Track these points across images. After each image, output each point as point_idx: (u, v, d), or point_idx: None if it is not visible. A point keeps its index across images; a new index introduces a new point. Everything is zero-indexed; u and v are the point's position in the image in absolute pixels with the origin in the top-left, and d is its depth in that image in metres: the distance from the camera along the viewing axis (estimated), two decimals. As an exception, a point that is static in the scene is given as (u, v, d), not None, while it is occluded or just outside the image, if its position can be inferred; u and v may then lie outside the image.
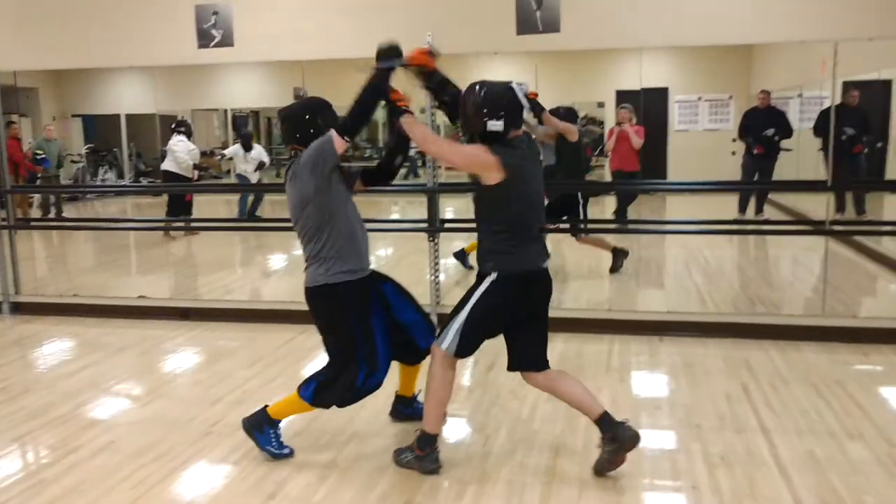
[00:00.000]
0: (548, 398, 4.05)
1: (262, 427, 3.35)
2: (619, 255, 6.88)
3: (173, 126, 10.20)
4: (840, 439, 3.47)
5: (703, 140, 14.16)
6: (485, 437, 3.65)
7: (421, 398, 3.53)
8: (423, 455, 3.10)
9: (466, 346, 3.06)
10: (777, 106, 10.20)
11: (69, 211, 13.21)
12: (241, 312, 5.62)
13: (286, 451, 3.38)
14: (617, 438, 2.99)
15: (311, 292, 3.18)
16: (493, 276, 3.01)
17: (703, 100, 14.69)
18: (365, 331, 3.18)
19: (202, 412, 3.93)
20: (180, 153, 9.58)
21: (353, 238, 3.15)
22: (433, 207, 5.38)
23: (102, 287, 7.09)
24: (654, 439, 3.54)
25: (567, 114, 7.44)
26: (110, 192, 14.32)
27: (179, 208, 9.64)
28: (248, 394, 4.13)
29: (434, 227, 5.44)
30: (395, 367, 3.48)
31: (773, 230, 7.28)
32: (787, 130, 9.83)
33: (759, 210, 10.06)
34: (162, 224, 9.95)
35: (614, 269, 6.85)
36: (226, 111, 18.93)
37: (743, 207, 10.00)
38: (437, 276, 5.44)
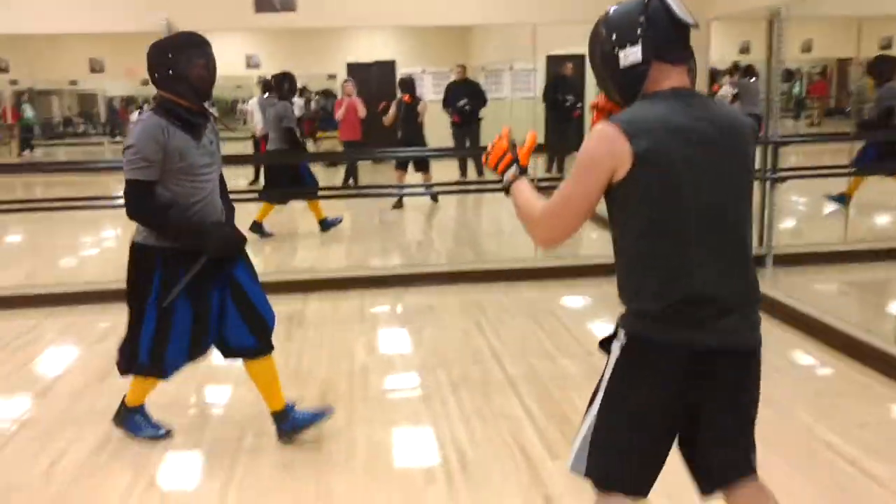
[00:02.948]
0: (312, 347, 4.51)
1: (126, 417, 3.52)
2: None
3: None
4: (553, 355, 4.27)
5: (430, 110, 15.18)
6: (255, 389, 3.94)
7: (300, 406, 3.56)
8: None
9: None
10: (474, 78, 11.31)
11: None
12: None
13: (161, 431, 3.55)
14: None
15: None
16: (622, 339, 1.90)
17: (426, 72, 15.77)
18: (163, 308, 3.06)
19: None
20: None
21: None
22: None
23: None
24: (407, 371, 4.14)
25: None
26: None
27: None
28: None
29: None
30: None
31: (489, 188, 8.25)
32: (480, 100, 11.04)
33: (480, 172, 11.21)
34: None
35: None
36: None
37: (463, 171, 11.09)
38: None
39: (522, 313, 5.24)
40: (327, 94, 13.98)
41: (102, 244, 8.40)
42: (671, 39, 1.84)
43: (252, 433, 3.56)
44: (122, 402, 3.49)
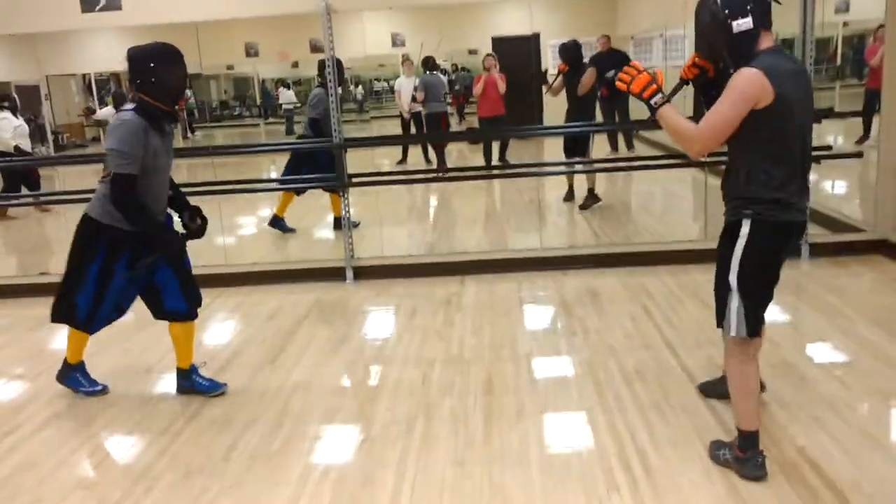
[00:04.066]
0: (472, 333, 4.36)
1: (67, 374, 3.96)
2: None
3: (-4, 102, 9.64)
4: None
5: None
6: (422, 374, 3.86)
7: (203, 371, 3.98)
8: (743, 457, 2.82)
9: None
10: (619, 48, 10.61)
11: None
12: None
13: (98, 387, 3.95)
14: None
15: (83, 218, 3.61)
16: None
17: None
18: (101, 276, 3.57)
19: (136, 381, 3.96)
20: (3, 132, 9.10)
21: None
22: (340, 163, 5.47)
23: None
24: (575, 361, 3.88)
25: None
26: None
27: (19, 186, 9.11)
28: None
29: (343, 182, 5.53)
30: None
31: (648, 165, 7.77)
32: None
33: (629, 146, 10.70)
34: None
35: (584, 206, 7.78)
36: (84, 76, 17.86)
37: (614, 146, 10.60)
38: (350, 230, 5.57)
39: (692, 298, 4.86)
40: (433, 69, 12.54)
41: (262, 225, 8.63)
42: (768, 11, 2.57)
43: (421, 421, 3.44)
44: (64, 360, 3.95)
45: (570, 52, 7.83)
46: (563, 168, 8.50)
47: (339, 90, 6.39)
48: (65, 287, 3.65)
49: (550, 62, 14.89)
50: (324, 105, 6.62)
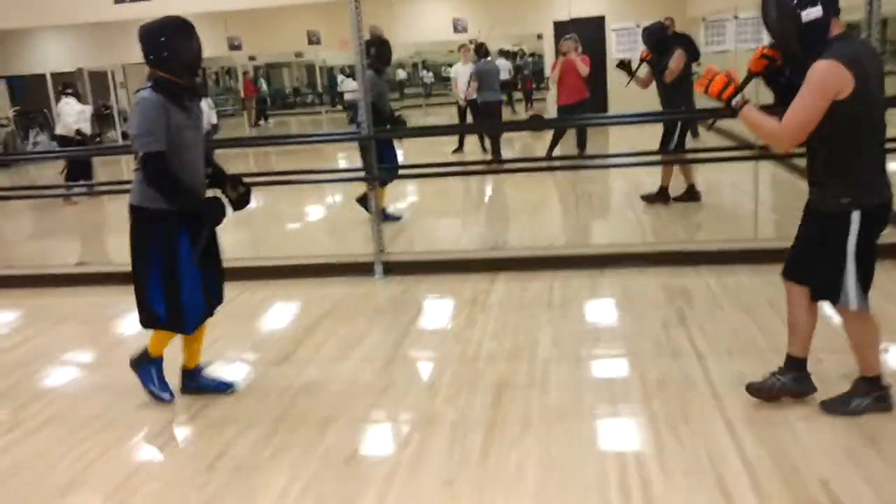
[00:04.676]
0: (492, 336, 4.16)
1: (143, 364, 3.68)
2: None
3: (61, 88, 9.88)
4: (767, 358, 3.56)
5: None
6: (431, 381, 3.69)
7: (207, 371, 3.86)
8: (880, 395, 3.09)
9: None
10: (688, 31, 10.05)
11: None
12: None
13: (165, 395, 3.69)
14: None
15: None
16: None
17: (641, 27, 14.64)
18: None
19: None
20: (67, 116, 9.38)
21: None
22: (369, 155, 5.32)
23: (38, 256, 6.92)
24: (594, 370, 3.64)
25: None
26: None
27: (79, 172, 9.34)
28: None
29: (372, 174, 5.37)
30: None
31: (707, 158, 7.34)
32: (692, 55, 9.57)
33: (694, 135, 10.19)
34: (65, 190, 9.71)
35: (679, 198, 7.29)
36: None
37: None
38: (379, 223, 5.42)
39: (734, 304, 4.52)
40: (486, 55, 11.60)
41: (300, 217, 8.57)
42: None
43: (418, 435, 3.26)
44: (145, 348, 3.66)
45: (654, 36, 7.23)
46: (614, 161, 8.11)
47: (388, 73, 6.14)
48: (138, 287, 3.44)
49: (614, 47, 14.37)
50: (378, 88, 6.50)
